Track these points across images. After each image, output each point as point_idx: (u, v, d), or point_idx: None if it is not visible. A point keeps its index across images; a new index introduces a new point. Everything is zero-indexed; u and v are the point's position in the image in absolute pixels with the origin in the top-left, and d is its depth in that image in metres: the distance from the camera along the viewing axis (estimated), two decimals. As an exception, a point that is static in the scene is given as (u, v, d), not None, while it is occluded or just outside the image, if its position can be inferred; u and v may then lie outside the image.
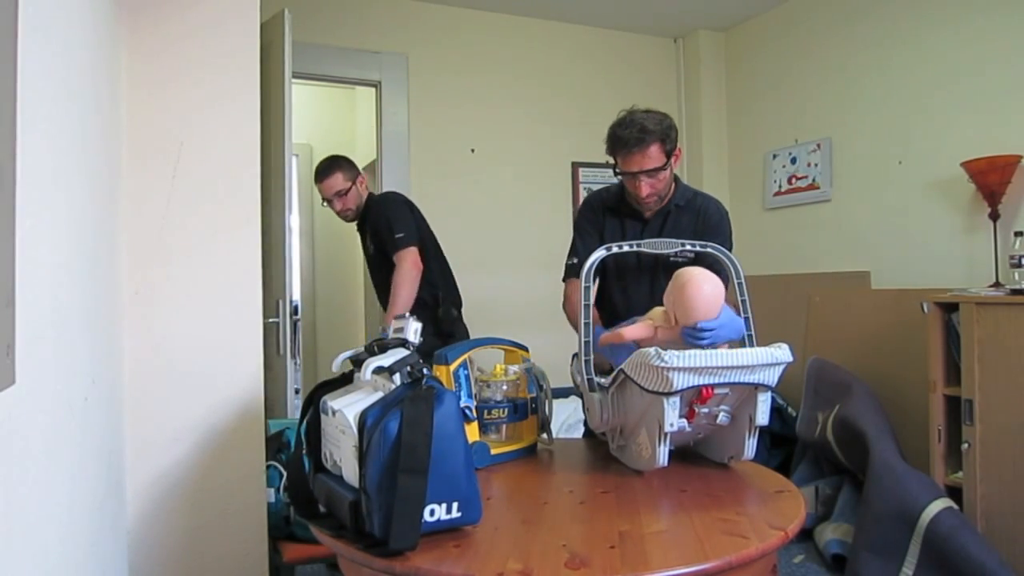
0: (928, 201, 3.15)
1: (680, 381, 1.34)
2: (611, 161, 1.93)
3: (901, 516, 2.32)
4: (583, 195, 4.07)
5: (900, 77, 3.26)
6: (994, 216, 2.77)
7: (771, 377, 1.40)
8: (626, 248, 1.63)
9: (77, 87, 1.23)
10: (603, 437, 1.69)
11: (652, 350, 1.36)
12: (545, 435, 1.77)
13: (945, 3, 3.07)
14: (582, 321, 1.56)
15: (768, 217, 3.95)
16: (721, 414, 1.48)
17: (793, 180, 3.81)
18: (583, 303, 1.56)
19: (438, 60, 3.74)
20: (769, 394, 1.44)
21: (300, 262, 4.59)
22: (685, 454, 1.70)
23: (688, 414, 1.45)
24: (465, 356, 1.68)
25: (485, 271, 3.79)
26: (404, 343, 1.28)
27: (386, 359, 1.21)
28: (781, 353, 1.39)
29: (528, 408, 1.74)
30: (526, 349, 1.87)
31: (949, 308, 2.56)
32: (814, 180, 3.69)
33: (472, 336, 2.66)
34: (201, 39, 1.83)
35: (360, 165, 4.76)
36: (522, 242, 3.94)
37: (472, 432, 1.61)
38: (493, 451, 1.66)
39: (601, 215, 2.05)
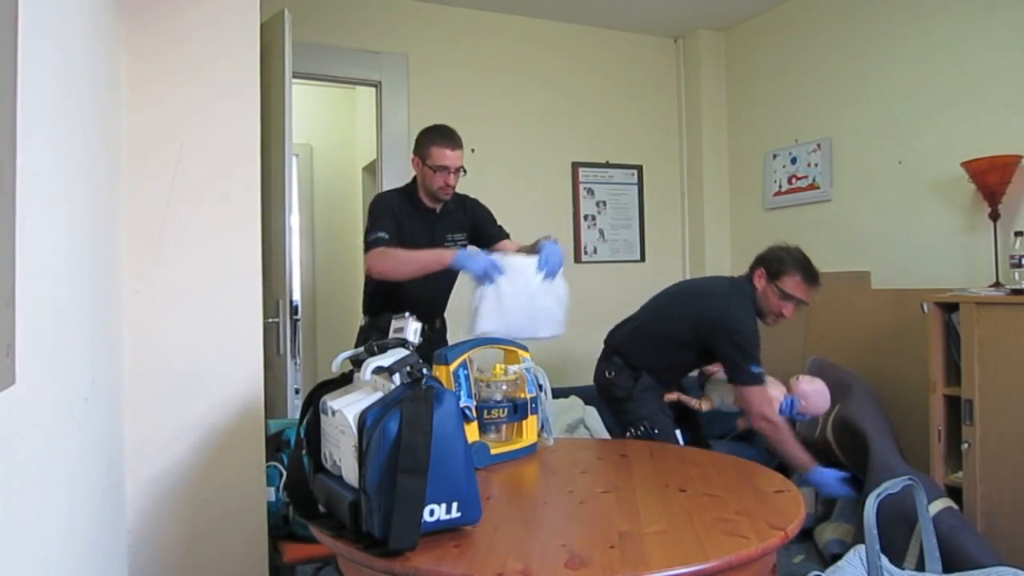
0: (928, 201, 3.15)
1: None
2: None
3: (901, 516, 2.32)
4: (583, 195, 4.07)
5: (900, 77, 3.26)
6: (994, 216, 2.77)
7: None
8: None
9: (77, 86, 1.23)
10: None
11: None
12: (545, 435, 1.77)
13: (945, 3, 3.07)
14: None
15: (768, 217, 3.95)
16: None
17: (793, 180, 3.81)
18: None
19: (438, 60, 3.73)
20: None
21: (300, 262, 4.59)
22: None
23: None
24: (465, 356, 1.68)
25: (485, 271, 3.79)
26: (404, 343, 1.28)
27: (386, 359, 1.21)
28: None
29: (528, 408, 1.74)
30: (526, 349, 1.87)
31: (949, 308, 2.56)
32: (814, 180, 3.69)
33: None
34: (201, 38, 1.83)
35: (360, 165, 4.80)
36: (522, 242, 3.92)
37: (472, 432, 1.61)
38: (493, 451, 1.66)
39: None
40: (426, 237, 2.36)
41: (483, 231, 2.49)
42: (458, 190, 2.41)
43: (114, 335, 1.62)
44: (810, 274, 2.36)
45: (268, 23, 2.50)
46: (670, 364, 2.46)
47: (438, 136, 2.32)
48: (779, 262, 2.36)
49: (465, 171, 2.36)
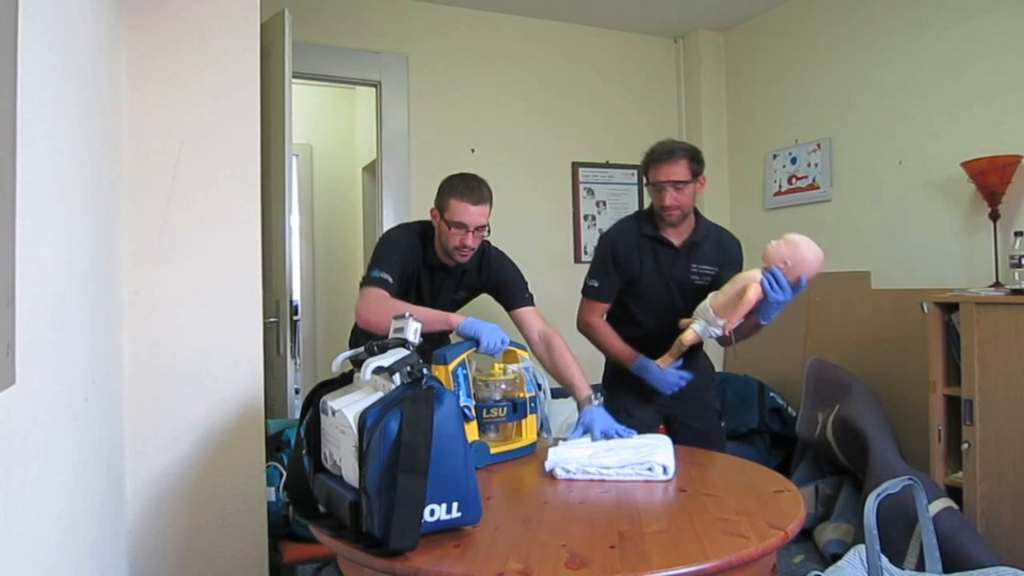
0: (928, 201, 3.15)
1: None
2: (645, 180, 2.23)
3: (901, 516, 2.32)
4: (583, 195, 4.07)
5: (900, 77, 3.26)
6: (994, 216, 2.77)
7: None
8: None
9: (77, 86, 1.23)
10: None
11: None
12: (545, 434, 1.77)
13: (945, 3, 3.07)
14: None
15: (768, 217, 3.95)
16: None
17: (793, 180, 3.81)
18: None
19: (438, 60, 3.73)
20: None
21: (300, 262, 4.59)
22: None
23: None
24: (463, 356, 1.68)
25: (485, 271, 3.79)
26: (404, 343, 1.28)
27: (386, 359, 1.21)
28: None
29: (527, 407, 1.75)
30: (525, 348, 1.87)
31: (949, 308, 2.56)
32: (814, 180, 3.69)
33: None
34: (201, 38, 1.83)
35: (360, 165, 4.80)
36: (522, 242, 3.91)
37: (471, 431, 1.61)
38: (492, 450, 1.66)
39: (633, 249, 2.26)
40: (429, 290, 2.14)
41: (501, 296, 2.19)
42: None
43: (114, 335, 1.62)
44: (646, 157, 2.21)
45: (268, 23, 2.50)
46: (628, 321, 2.31)
47: (460, 186, 2.01)
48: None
49: (489, 230, 2.05)
